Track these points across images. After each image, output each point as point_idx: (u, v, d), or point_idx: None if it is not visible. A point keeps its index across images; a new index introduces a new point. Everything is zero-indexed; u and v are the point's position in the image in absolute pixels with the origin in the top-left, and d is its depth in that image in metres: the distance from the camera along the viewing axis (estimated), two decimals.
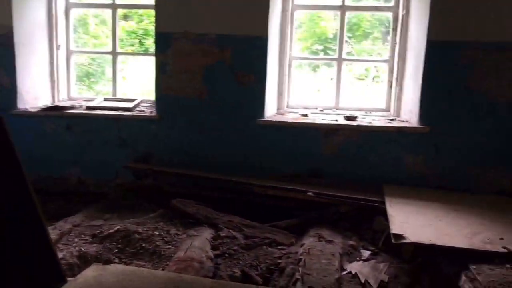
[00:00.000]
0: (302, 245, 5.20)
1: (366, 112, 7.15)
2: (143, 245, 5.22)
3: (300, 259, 4.73)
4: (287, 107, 7.09)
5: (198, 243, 5.11)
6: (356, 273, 4.86)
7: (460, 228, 5.08)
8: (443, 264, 4.80)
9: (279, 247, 5.48)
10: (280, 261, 5.14)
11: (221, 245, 5.30)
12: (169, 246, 5.14)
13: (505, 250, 4.51)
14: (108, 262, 5.00)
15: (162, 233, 5.42)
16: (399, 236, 4.82)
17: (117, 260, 5.08)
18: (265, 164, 6.71)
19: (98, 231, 5.53)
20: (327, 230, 5.64)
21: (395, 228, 4.97)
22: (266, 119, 6.65)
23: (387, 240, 5.56)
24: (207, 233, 5.48)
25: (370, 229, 5.82)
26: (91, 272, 3.60)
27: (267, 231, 5.71)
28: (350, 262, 5.12)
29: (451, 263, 4.61)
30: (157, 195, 6.61)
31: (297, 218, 5.96)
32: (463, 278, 4.31)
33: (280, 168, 6.68)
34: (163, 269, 4.57)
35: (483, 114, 6.16)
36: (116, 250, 5.22)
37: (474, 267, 4.35)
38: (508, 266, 4.34)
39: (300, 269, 4.46)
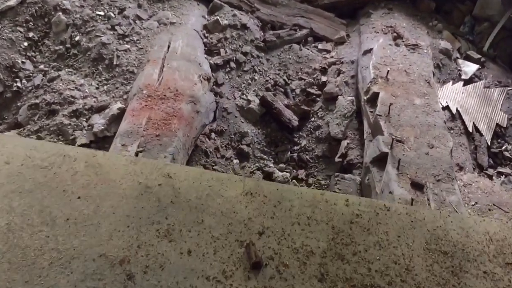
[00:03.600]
0: (366, 51, 3.06)
1: None
2: (77, 38, 2.92)
3: (376, 94, 2.70)
4: None
5: (182, 44, 2.87)
6: (457, 108, 2.99)
7: None
8: None
9: (321, 47, 3.32)
10: (325, 80, 3.09)
11: (222, 44, 3.08)
12: (127, 47, 2.88)
13: None
14: (12, 69, 2.82)
15: (112, 13, 3.04)
16: None
17: (29, 66, 2.87)
18: None
19: None
20: (400, 14, 3.41)
21: None
22: None
23: (498, 38, 3.50)
24: (194, 17, 3.16)
25: (469, 15, 3.62)
26: None
27: (299, 13, 3.42)
28: (443, 83, 3.17)
29: None
30: None
31: None
32: None
33: None
34: (122, 109, 2.48)
35: None
36: (26, 44, 2.92)
37: None
38: None
39: (383, 125, 2.49)
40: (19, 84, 2.81)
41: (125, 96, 2.64)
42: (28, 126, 2.63)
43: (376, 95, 2.73)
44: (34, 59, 2.91)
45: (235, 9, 3.27)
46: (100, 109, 2.57)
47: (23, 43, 2.91)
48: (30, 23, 2.96)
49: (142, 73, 2.67)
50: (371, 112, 2.68)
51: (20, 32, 2.93)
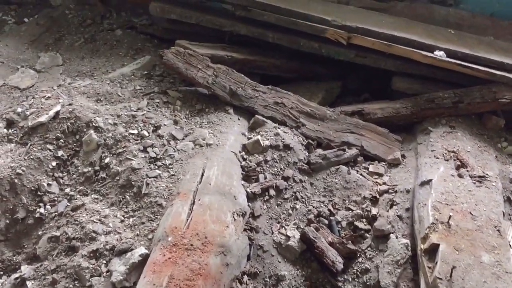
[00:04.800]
0: (424, 183, 2.73)
1: None
2: (107, 160, 2.77)
3: (435, 246, 2.34)
4: None
5: (217, 172, 2.66)
6: None
7: None
8: None
9: (372, 169, 3.02)
10: (376, 212, 2.77)
11: (262, 168, 2.85)
12: (158, 173, 2.69)
13: None
14: (36, 193, 2.69)
15: (146, 131, 2.89)
16: None
17: (55, 189, 2.74)
18: None
19: (20, 111, 2.98)
20: (464, 134, 3.08)
21: None
22: None
23: None
24: (233, 136, 2.96)
25: None
26: None
27: (348, 128, 3.15)
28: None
29: None
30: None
31: (407, 99, 3.30)
32: None
33: None
34: (145, 256, 2.26)
35: None
36: (54, 163, 2.80)
37: None
38: None
39: None
40: (42, 210, 2.66)
41: (150, 236, 2.42)
42: (46, 262, 2.46)
43: (435, 246, 2.37)
44: (61, 180, 2.77)
45: (278, 125, 3.04)
46: (121, 252, 2.35)
47: (51, 163, 2.79)
48: (61, 140, 2.85)
49: (170, 210, 2.45)
50: (429, 268, 2.32)
51: (50, 150, 2.81)
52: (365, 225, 2.77)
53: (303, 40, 3.41)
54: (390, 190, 2.88)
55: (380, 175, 3.00)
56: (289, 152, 2.93)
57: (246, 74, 3.29)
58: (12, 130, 2.90)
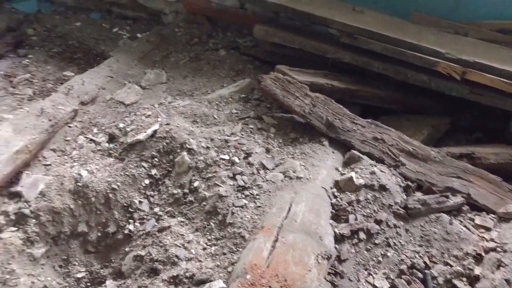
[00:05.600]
0: None
1: None
2: (196, 184, 2.78)
3: None
4: None
5: (305, 209, 2.55)
6: None
7: None
8: None
9: (478, 221, 2.72)
10: (479, 272, 2.47)
11: (353, 208, 2.68)
12: (245, 202, 2.64)
13: None
14: (128, 209, 2.77)
15: (236, 157, 2.87)
16: None
17: (145, 207, 2.80)
18: None
19: (121, 127, 3.11)
20: None
21: None
22: None
23: None
24: (326, 170, 2.83)
25: None
26: None
27: (454, 173, 2.87)
28: None
29: None
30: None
31: None
32: None
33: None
34: None
35: None
36: (148, 181, 2.87)
37: None
38: None
39: None
40: (131, 227, 2.74)
41: (229, 268, 2.37)
42: (129, 280, 2.50)
43: None
44: (152, 199, 2.83)
45: (375, 163, 2.85)
46: (199, 282, 2.32)
47: (144, 181, 2.86)
48: (156, 159, 2.92)
49: (252, 244, 2.38)
50: None
51: (144, 168, 2.89)
52: (465, 285, 2.48)
53: (411, 72, 3.19)
54: (498, 249, 2.56)
55: (487, 229, 2.68)
56: (384, 193, 2.73)
57: (347, 103, 3.15)
58: (113, 145, 3.03)
